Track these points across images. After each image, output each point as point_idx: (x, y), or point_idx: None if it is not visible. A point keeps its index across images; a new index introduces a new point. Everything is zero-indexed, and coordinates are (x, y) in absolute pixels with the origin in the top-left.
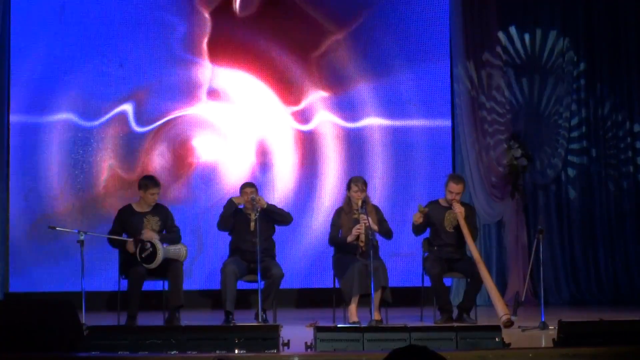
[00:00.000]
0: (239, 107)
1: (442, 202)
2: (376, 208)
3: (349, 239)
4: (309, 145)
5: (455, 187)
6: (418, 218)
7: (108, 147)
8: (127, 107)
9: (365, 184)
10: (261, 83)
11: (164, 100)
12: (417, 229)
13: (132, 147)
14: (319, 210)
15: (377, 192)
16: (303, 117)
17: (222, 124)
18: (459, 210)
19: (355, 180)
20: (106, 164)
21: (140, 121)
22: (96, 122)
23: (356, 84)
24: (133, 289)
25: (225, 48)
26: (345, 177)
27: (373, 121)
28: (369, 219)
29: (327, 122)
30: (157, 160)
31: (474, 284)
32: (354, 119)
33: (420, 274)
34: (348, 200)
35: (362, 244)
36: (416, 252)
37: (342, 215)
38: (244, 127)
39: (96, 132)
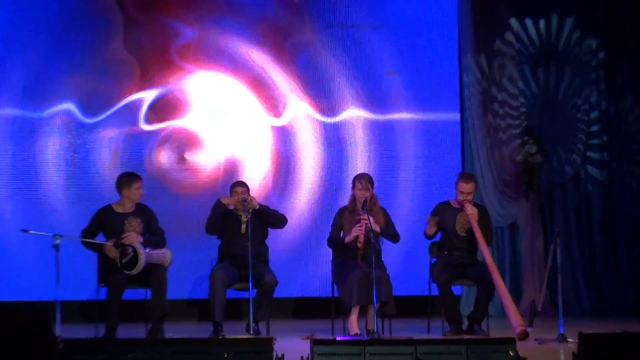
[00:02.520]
0: (215, 110)
1: (454, 203)
2: (383, 210)
3: (347, 238)
4: (290, 142)
5: (466, 187)
6: (430, 229)
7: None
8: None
9: (371, 182)
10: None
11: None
12: (429, 236)
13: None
14: (316, 211)
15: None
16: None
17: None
18: (471, 212)
19: (360, 178)
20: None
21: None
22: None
23: (351, 74)
24: (112, 298)
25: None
26: (342, 175)
27: (367, 115)
28: (371, 219)
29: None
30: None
31: (486, 292)
32: (337, 112)
33: (427, 281)
34: (352, 199)
35: (359, 245)
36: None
37: (345, 215)
38: (226, 126)
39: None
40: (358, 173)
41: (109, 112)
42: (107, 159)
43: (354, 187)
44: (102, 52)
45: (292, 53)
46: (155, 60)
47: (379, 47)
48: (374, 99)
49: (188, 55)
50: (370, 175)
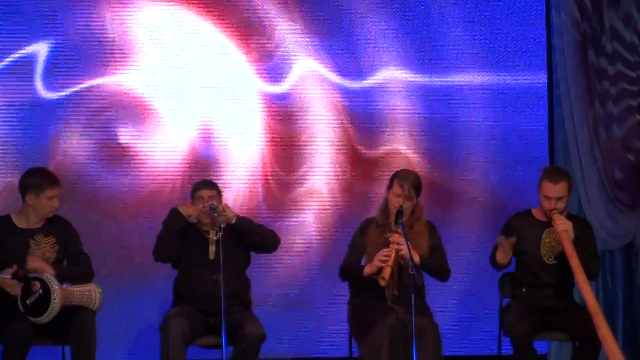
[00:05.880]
0: (178, 61)
1: (537, 214)
2: (430, 226)
3: (367, 270)
4: (292, 118)
5: (553, 189)
6: (503, 256)
7: None
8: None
9: (416, 185)
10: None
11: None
12: (501, 266)
13: None
14: (324, 227)
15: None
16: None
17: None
18: (563, 227)
19: (402, 177)
20: None
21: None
22: None
23: (378, 17)
24: (12, 359)
25: None
26: (359, 169)
27: (401, 75)
28: (408, 241)
29: (316, 80)
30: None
31: (587, 351)
32: (365, 73)
33: (495, 334)
34: (384, 208)
35: (382, 283)
36: None
37: (371, 231)
38: (188, 91)
39: None
40: (400, 170)
41: None
42: None
43: (389, 188)
44: None
45: None
46: None
47: None
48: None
49: None
50: (417, 176)
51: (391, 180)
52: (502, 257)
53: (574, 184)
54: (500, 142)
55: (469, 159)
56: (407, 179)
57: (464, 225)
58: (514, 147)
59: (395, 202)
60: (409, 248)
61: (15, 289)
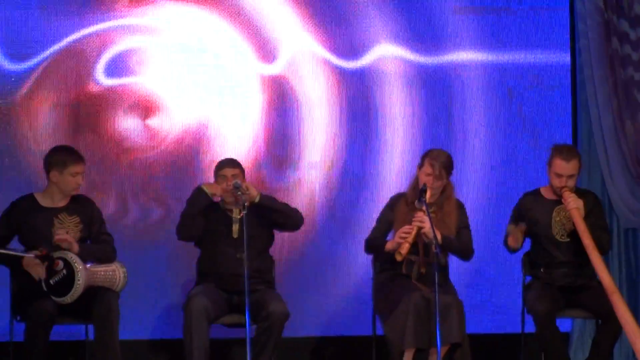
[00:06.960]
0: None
1: (546, 192)
2: (459, 205)
3: (388, 246)
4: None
5: (565, 167)
6: (515, 240)
7: None
8: None
9: (447, 166)
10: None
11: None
12: (515, 249)
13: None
14: (352, 204)
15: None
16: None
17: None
18: (573, 205)
19: (433, 156)
20: None
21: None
22: None
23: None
24: (35, 339)
25: None
26: (400, 146)
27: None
28: (431, 219)
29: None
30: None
31: (609, 328)
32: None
33: (518, 312)
34: (415, 185)
35: (399, 258)
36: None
37: (400, 207)
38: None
39: None
40: (432, 149)
41: None
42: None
43: (420, 167)
44: None
45: None
46: None
47: None
48: (421, 33)
49: None
50: (449, 156)
51: (422, 159)
52: (513, 242)
53: (597, 163)
54: (524, 122)
55: (499, 137)
56: (438, 158)
57: (488, 205)
58: (537, 126)
59: (425, 181)
60: (432, 226)
61: (38, 269)
